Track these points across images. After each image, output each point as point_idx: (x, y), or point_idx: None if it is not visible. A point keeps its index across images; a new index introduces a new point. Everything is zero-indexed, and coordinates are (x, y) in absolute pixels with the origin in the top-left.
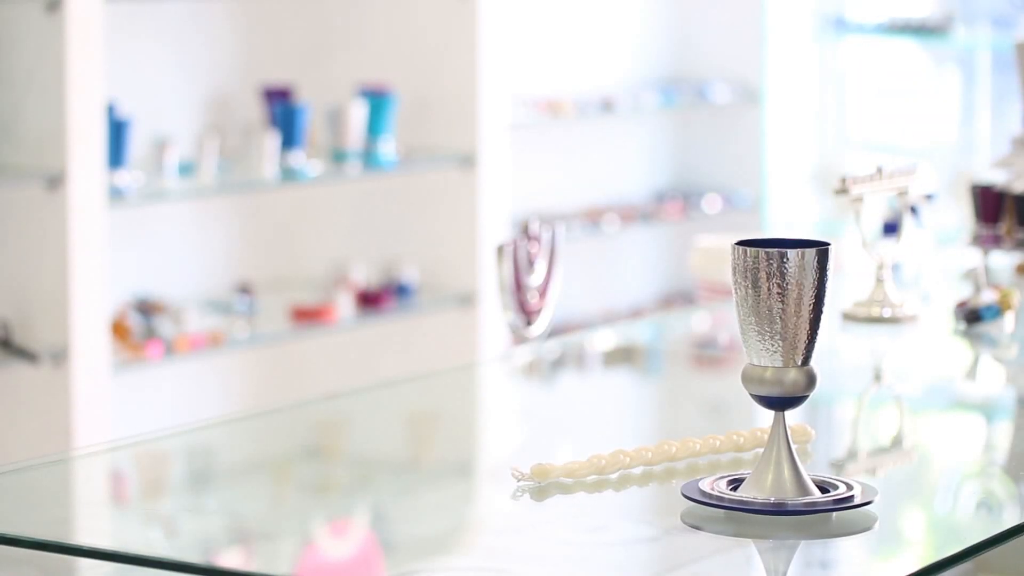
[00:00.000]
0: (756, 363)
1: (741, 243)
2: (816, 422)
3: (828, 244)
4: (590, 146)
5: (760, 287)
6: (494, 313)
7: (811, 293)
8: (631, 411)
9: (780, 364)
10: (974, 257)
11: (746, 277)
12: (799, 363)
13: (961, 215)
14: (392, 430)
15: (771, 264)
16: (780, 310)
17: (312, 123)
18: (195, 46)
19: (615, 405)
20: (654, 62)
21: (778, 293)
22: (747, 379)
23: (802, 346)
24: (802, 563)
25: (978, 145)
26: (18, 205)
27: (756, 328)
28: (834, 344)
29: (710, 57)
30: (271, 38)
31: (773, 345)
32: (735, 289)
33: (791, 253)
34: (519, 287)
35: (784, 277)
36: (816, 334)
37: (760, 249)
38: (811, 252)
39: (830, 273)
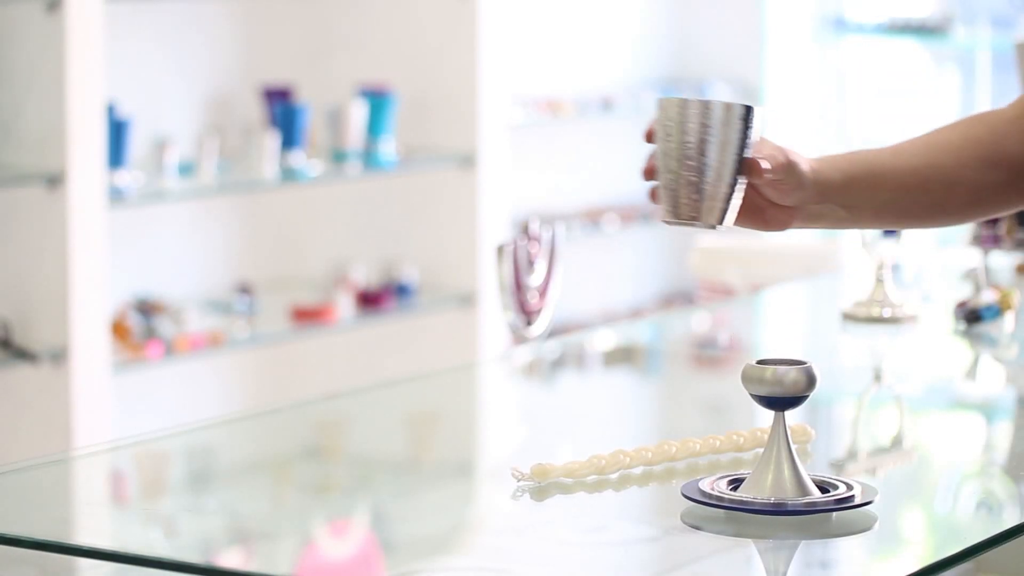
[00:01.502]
0: (670, 220)
1: (667, 97)
2: (816, 422)
3: (756, 106)
4: (590, 146)
5: (686, 138)
6: (494, 313)
7: (734, 150)
8: (631, 411)
9: (697, 219)
10: (974, 257)
11: (669, 129)
12: (715, 223)
13: None
14: (392, 430)
15: (698, 115)
16: (702, 163)
17: (312, 123)
18: (195, 46)
19: (615, 405)
20: (654, 62)
21: (700, 144)
22: (747, 379)
23: (720, 203)
24: (802, 563)
25: None
26: (18, 205)
27: (675, 181)
28: (834, 344)
29: (710, 57)
30: (271, 38)
31: (690, 199)
32: (657, 140)
33: (716, 104)
34: (519, 287)
35: (708, 130)
36: (734, 193)
37: (687, 99)
38: (738, 107)
39: (753, 134)
